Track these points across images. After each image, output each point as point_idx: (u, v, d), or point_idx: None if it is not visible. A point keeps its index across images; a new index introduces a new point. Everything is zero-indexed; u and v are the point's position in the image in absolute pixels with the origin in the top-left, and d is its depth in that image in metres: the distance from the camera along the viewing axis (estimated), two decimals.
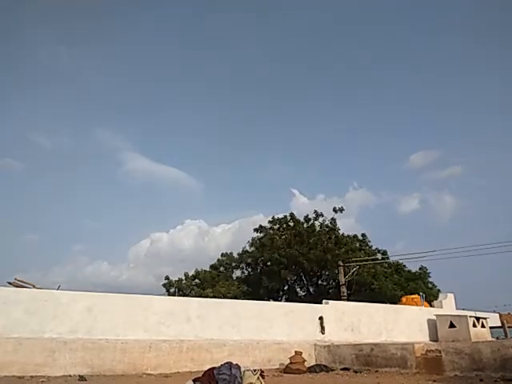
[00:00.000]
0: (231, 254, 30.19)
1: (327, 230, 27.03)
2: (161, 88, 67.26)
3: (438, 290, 25.92)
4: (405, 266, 27.80)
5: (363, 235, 28.56)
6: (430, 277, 27.77)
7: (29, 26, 54.63)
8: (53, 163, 59.67)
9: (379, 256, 27.02)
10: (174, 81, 66.23)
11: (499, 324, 18.43)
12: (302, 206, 48.26)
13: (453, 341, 12.52)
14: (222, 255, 30.42)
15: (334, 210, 27.30)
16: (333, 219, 27.31)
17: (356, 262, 23.55)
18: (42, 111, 56.65)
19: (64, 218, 57.43)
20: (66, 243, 57.57)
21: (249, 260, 28.39)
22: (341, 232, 27.65)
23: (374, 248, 28.05)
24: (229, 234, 48.29)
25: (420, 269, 27.52)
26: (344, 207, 27.59)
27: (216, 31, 65.62)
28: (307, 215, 27.81)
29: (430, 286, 27.25)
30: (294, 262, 25.92)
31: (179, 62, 67.58)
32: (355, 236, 28.31)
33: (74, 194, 59.14)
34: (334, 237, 26.48)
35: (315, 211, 27.83)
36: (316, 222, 27.50)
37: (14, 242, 50.82)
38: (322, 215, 27.57)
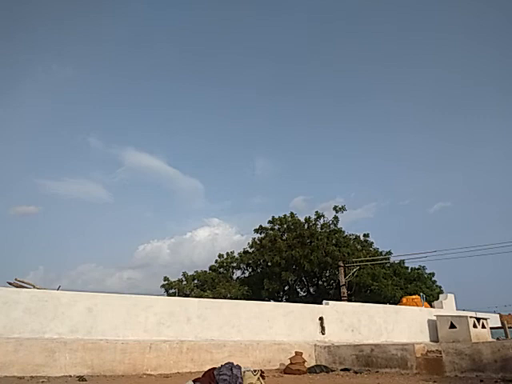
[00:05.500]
0: (232, 252, 30.06)
1: (329, 231, 26.86)
2: (159, 89, 67.30)
3: (440, 291, 25.83)
4: (406, 267, 27.68)
5: (365, 235, 28.39)
6: (433, 277, 27.71)
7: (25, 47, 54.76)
8: (53, 167, 59.70)
9: (381, 257, 26.95)
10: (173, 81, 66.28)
11: (500, 325, 18.38)
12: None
13: (453, 341, 12.50)
14: (220, 256, 30.24)
15: (335, 209, 27.09)
16: (335, 218, 27.08)
17: (356, 262, 23.50)
18: (39, 113, 56.73)
19: (66, 219, 57.57)
20: (70, 245, 57.57)
21: (250, 261, 28.25)
22: (343, 232, 27.51)
23: (376, 249, 27.93)
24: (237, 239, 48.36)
25: (418, 269, 27.35)
26: (346, 207, 27.48)
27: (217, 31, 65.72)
28: (309, 217, 27.64)
29: (433, 287, 27.13)
30: (296, 264, 25.80)
31: (178, 65, 67.64)
32: (357, 237, 28.11)
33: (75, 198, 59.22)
34: (335, 238, 26.29)
35: (316, 212, 27.64)
36: (317, 223, 27.40)
37: (17, 244, 50.90)
38: (324, 216, 27.39)
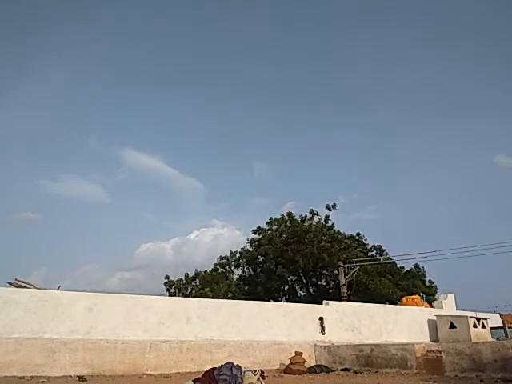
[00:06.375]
0: (232, 252, 30.13)
1: (321, 227, 27.22)
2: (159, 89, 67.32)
3: (435, 289, 25.90)
4: (400, 266, 27.78)
5: (358, 234, 28.72)
6: (424, 277, 27.80)
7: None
8: (53, 168, 59.73)
9: (374, 253, 27.23)
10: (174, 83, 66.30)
11: (500, 324, 18.38)
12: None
13: (453, 341, 12.50)
14: (221, 258, 30.30)
15: (327, 207, 27.58)
16: (326, 216, 27.60)
17: (356, 262, 23.54)
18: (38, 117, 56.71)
19: (67, 221, 57.59)
20: (71, 246, 57.57)
21: (248, 261, 28.39)
22: (336, 230, 27.87)
23: (372, 247, 28.16)
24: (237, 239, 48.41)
25: (415, 267, 27.52)
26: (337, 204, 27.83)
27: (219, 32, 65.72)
28: (305, 215, 27.99)
29: (427, 284, 27.21)
30: (291, 260, 25.98)
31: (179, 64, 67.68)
32: (351, 236, 28.42)
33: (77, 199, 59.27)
34: (328, 234, 26.66)
35: (311, 210, 28.10)
36: (312, 222, 27.71)
37: (19, 245, 50.92)
38: (318, 214, 27.86)
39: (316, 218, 27.82)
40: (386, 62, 65.04)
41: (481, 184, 62.69)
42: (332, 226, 27.65)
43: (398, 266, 27.58)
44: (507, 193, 58.51)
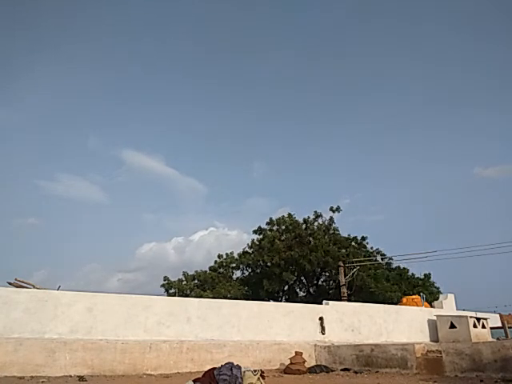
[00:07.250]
0: (231, 253, 30.00)
1: (325, 230, 27.07)
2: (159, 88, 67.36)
3: (439, 292, 25.83)
4: (408, 270, 27.65)
5: (363, 238, 28.51)
6: (429, 278, 27.71)
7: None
8: (53, 169, 59.76)
9: (378, 258, 27.03)
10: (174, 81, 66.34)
11: (500, 325, 18.38)
12: None
13: (453, 341, 12.51)
14: (219, 256, 30.18)
15: (331, 209, 27.36)
16: (331, 219, 27.40)
17: (356, 262, 23.51)
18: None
19: (67, 222, 57.63)
20: (71, 247, 57.58)
21: (249, 262, 28.27)
22: (340, 233, 27.75)
23: (373, 250, 28.05)
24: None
25: (425, 276, 27.31)
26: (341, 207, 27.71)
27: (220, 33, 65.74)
28: (308, 217, 27.82)
29: (433, 290, 27.11)
30: (295, 264, 25.85)
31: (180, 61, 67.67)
32: (354, 238, 28.27)
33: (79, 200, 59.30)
34: (333, 238, 26.50)
35: (315, 212, 27.88)
36: (315, 223, 27.58)
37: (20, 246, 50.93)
38: (322, 216, 27.62)
39: (320, 220, 27.68)
40: (388, 58, 65.03)
41: (480, 184, 62.72)
42: (336, 228, 27.52)
43: (410, 273, 27.48)
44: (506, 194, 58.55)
